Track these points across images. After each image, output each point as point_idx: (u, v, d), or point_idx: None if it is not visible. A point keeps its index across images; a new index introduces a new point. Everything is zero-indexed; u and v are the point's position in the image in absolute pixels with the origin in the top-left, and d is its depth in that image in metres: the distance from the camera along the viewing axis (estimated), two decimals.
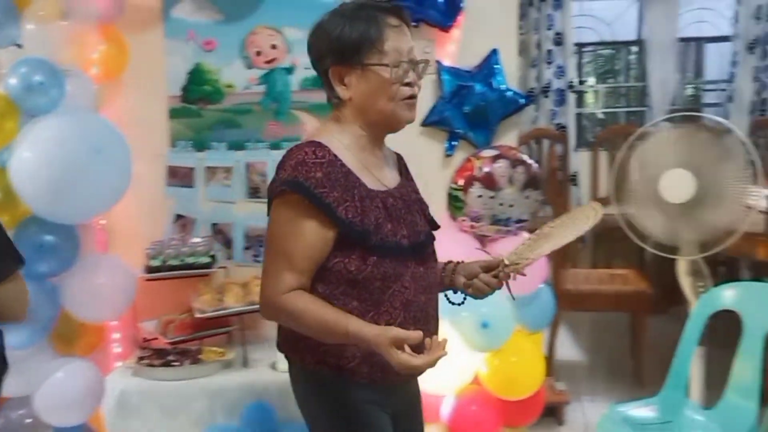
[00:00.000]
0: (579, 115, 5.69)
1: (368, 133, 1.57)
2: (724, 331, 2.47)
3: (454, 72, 2.76)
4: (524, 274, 1.66)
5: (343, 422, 1.60)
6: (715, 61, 5.72)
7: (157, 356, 2.54)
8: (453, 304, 1.76)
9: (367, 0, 1.56)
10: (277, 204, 1.51)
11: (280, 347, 1.67)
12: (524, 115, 5.12)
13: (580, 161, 5.24)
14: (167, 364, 2.49)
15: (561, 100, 5.24)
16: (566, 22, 5.13)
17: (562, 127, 5.21)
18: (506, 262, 1.65)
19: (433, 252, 1.68)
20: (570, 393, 3.38)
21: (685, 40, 5.55)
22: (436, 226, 1.73)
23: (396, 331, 1.38)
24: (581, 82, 5.79)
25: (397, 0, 2.63)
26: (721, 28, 5.55)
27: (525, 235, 2.74)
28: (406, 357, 1.36)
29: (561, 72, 5.19)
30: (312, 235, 1.48)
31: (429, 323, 1.59)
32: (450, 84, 2.76)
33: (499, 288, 1.67)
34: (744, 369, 2.32)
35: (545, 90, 5.21)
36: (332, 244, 1.49)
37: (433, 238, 1.68)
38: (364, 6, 1.54)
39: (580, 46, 5.60)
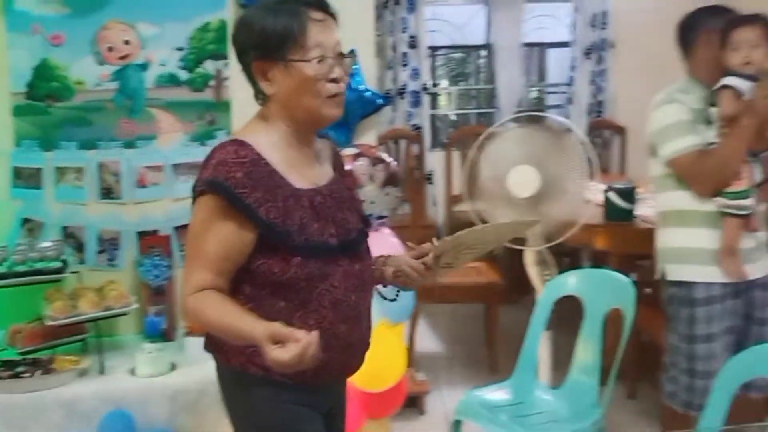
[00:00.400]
0: (433, 116, 5.88)
1: (295, 129, 1.53)
2: (569, 316, 2.66)
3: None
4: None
5: (270, 425, 1.56)
6: (556, 65, 6.07)
7: (5, 368, 2.40)
8: (386, 299, 1.77)
9: None
10: (197, 204, 1.48)
11: (207, 347, 1.61)
12: (382, 116, 5.24)
13: (435, 160, 5.42)
14: (16, 376, 2.36)
15: (416, 102, 5.39)
16: (420, 26, 5.27)
17: (417, 128, 5.37)
18: (443, 259, 1.64)
19: (368, 249, 1.65)
20: (430, 383, 3.51)
21: (529, 45, 5.86)
22: (369, 224, 1.71)
23: (275, 327, 1.32)
24: (435, 85, 5.99)
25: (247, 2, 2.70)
26: (561, 35, 5.90)
27: (386, 231, 2.84)
28: (276, 352, 1.30)
29: (416, 74, 5.34)
30: (230, 236, 1.45)
31: (360, 322, 1.58)
32: None
33: (427, 276, 1.65)
34: (586, 350, 2.51)
35: (401, 91, 5.34)
36: (253, 245, 1.46)
37: (367, 235, 1.65)
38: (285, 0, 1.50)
39: (433, 49, 5.78)
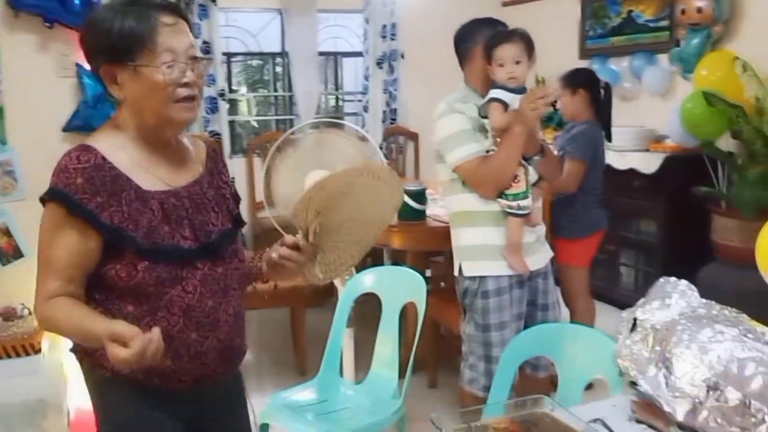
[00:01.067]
0: (232, 123, 5.83)
1: (146, 132, 1.49)
2: (372, 313, 2.75)
3: (95, 76, 2.67)
4: None
5: (119, 425, 1.54)
6: (351, 74, 6.27)
7: None
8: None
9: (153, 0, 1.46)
10: (43, 213, 1.46)
11: (73, 349, 1.57)
12: None
13: (236, 167, 5.37)
14: None
15: (213, 108, 5.32)
16: (213, 32, 5.22)
17: (216, 134, 5.31)
18: (318, 240, 1.62)
19: (235, 251, 1.59)
20: None
21: (324, 54, 6.01)
22: (241, 224, 1.66)
23: (115, 326, 1.31)
24: (232, 91, 5.94)
25: (34, 0, 2.54)
26: (354, 45, 6.11)
27: None
28: (115, 350, 1.28)
29: (212, 80, 5.28)
30: (74, 243, 1.42)
31: (217, 328, 1.53)
32: (92, 88, 2.67)
33: (303, 260, 1.62)
34: (384, 344, 2.63)
35: None
36: (100, 250, 1.44)
37: (235, 236, 1.60)
38: (136, 1, 1.44)
39: (228, 55, 5.74)
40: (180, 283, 1.48)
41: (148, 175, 1.50)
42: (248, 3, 5.56)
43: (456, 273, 2.61)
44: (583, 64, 5.33)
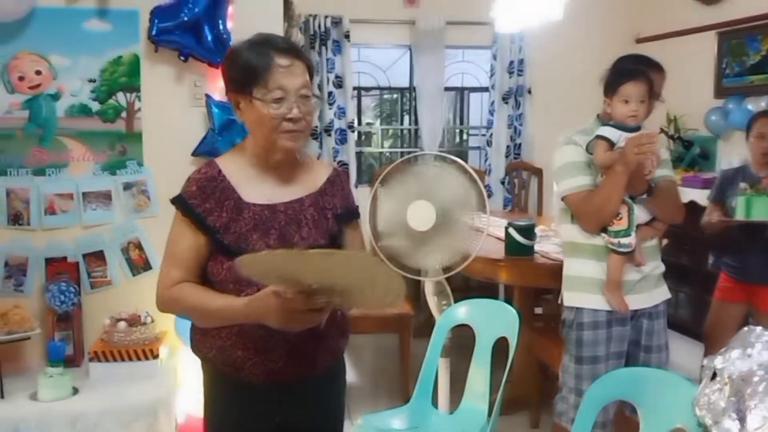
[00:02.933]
0: (362, 153, 6.05)
1: (260, 153, 1.71)
2: (468, 344, 2.77)
3: (223, 106, 2.91)
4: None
5: (211, 414, 1.79)
6: (477, 108, 6.33)
7: None
8: None
9: (268, 36, 1.69)
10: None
11: (192, 349, 1.80)
12: (307, 151, 5.37)
13: (362, 196, 5.55)
14: None
15: (342, 139, 5.56)
16: (346, 67, 5.48)
17: (343, 164, 5.53)
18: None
19: None
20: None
21: (451, 89, 6.12)
22: (338, 242, 1.77)
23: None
24: (360, 123, 6.16)
25: (172, 36, 2.82)
26: (480, 80, 6.17)
27: None
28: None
29: (342, 113, 5.52)
30: (188, 239, 1.67)
31: (285, 331, 1.63)
32: (219, 117, 2.90)
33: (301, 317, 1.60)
34: (477, 376, 2.63)
35: (327, 129, 5.51)
36: (208, 247, 1.67)
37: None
38: (264, 42, 1.67)
39: (359, 89, 5.98)
40: (254, 284, 1.61)
41: (253, 189, 1.72)
42: (380, 39, 5.78)
43: (559, 302, 2.63)
44: (719, 103, 5.11)
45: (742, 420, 1.42)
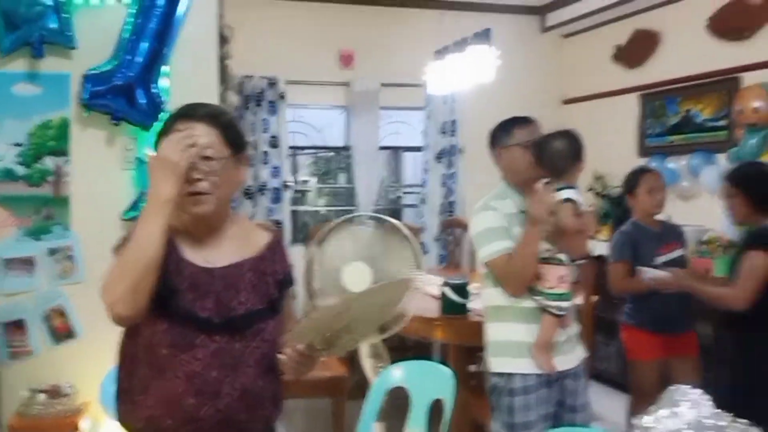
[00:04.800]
0: (295, 212, 6.04)
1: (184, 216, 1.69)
2: (404, 406, 2.73)
3: None
4: None
5: None
6: (411, 167, 6.44)
7: None
8: None
9: (183, 106, 1.72)
10: None
11: (119, 420, 1.72)
12: (241, 211, 5.34)
13: (297, 255, 5.52)
14: None
15: (277, 198, 5.55)
16: (281, 127, 5.50)
17: (278, 223, 5.50)
18: (318, 344, 1.63)
19: (261, 330, 1.68)
20: None
21: (386, 148, 6.21)
22: (277, 309, 1.74)
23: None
24: (296, 182, 6.17)
25: (104, 100, 2.79)
26: (415, 140, 6.28)
27: None
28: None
29: (276, 172, 5.52)
30: None
31: (217, 399, 1.61)
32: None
33: (306, 363, 1.66)
34: None
35: (262, 188, 5.49)
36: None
37: (264, 317, 1.70)
38: (174, 112, 1.71)
39: (294, 148, 6.00)
40: (191, 350, 1.59)
41: (191, 249, 1.69)
42: (315, 99, 5.86)
43: (481, 368, 2.61)
44: (643, 161, 5.32)
45: None
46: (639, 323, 3.49)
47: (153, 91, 2.84)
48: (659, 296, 3.33)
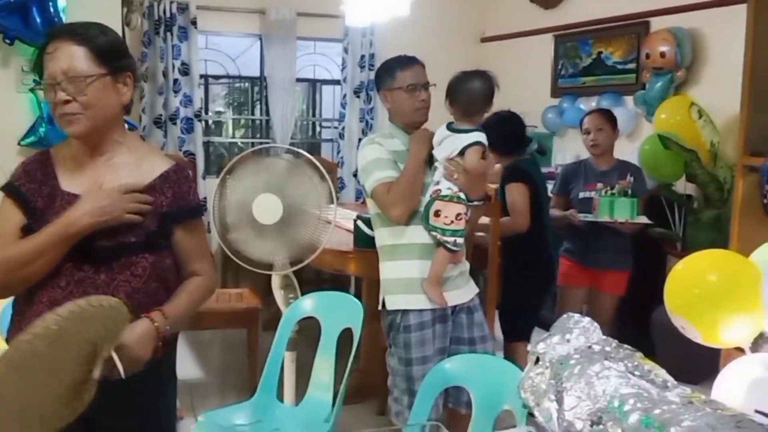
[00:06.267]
0: (208, 143, 5.90)
1: (67, 141, 1.72)
2: (316, 336, 2.76)
3: None
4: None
5: None
6: (329, 101, 6.36)
7: None
8: None
9: (56, 27, 1.75)
10: None
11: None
12: (151, 141, 5.18)
13: (210, 187, 5.42)
14: None
15: (189, 128, 5.40)
16: (192, 54, 5.31)
17: (190, 154, 5.37)
18: None
19: (130, 264, 1.65)
20: (185, 409, 3.48)
21: (303, 80, 6.10)
22: (152, 244, 1.69)
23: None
24: (210, 113, 6.01)
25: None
26: (333, 73, 6.20)
27: None
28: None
29: (188, 101, 5.35)
30: (9, 220, 1.66)
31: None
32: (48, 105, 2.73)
33: None
34: (322, 367, 2.65)
35: (173, 118, 5.32)
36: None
37: (135, 251, 1.66)
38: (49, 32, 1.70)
39: (206, 78, 5.83)
40: (56, 277, 1.61)
41: (72, 178, 1.69)
42: (229, 27, 5.66)
43: (380, 307, 2.64)
44: (555, 102, 5.44)
45: (560, 401, 1.52)
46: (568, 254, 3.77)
47: (50, 10, 2.68)
48: (579, 230, 3.62)
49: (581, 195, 3.68)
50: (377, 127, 5.89)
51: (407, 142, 2.57)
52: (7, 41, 2.66)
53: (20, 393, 1.34)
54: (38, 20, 2.66)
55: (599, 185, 3.57)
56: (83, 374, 1.42)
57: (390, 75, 2.59)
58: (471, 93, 2.48)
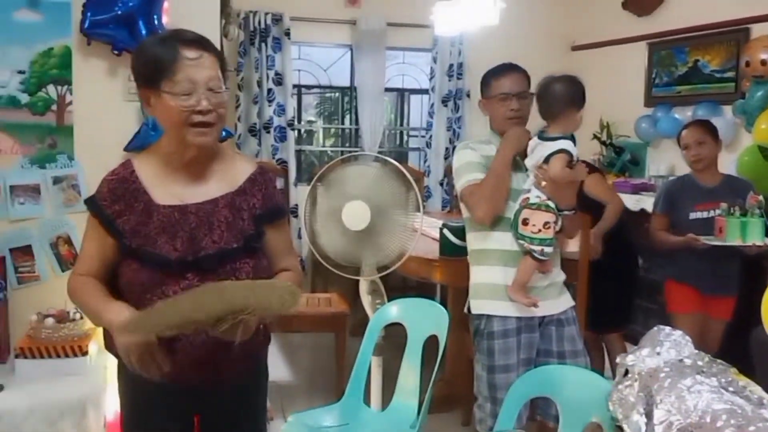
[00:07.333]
0: (300, 152, 6.05)
1: (172, 151, 1.69)
2: (402, 342, 2.77)
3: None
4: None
5: (124, 410, 1.82)
6: (417, 110, 6.40)
7: None
8: None
9: (177, 30, 1.69)
10: None
11: (106, 346, 1.80)
12: (246, 149, 5.36)
13: (301, 195, 5.56)
14: None
15: (282, 137, 5.55)
16: (286, 64, 5.47)
17: (283, 162, 5.52)
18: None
19: (235, 270, 1.68)
20: (275, 411, 3.58)
21: (391, 90, 6.18)
22: (253, 247, 1.73)
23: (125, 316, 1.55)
24: (302, 122, 6.16)
25: (106, 30, 2.78)
26: (421, 82, 6.24)
27: None
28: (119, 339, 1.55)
29: (281, 110, 5.51)
30: (95, 240, 1.69)
31: (192, 336, 1.63)
32: None
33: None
34: (407, 374, 2.67)
35: (267, 126, 5.49)
36: (115, 249, 1.67)
37: (238, 256, 1.69)
38: (172, 35, 1.67)
39: (299, 87, 5.98)
40: (161, 287, 1.62)
41: (165, 190, 1.70)
42: (321, 38, 5.79)
43: (465, 310, 2.65)
44: (649, 111, 5.30)
45: (649, 414, 1.49)
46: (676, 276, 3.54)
47: (155, 22, 2.82)
48: (696, 253, 3.34)
49: (692, 216, 3.42)
50: (465, 136, 5.89)
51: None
52: (116, 52, 2.81)
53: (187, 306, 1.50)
54: (143, 32, 2.80)
55: (723, 205, 3.26)
56: (217, 321, 1.49)
57: (486, 83, 2.63)
58: (552, 96, 2.46)
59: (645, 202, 4.55)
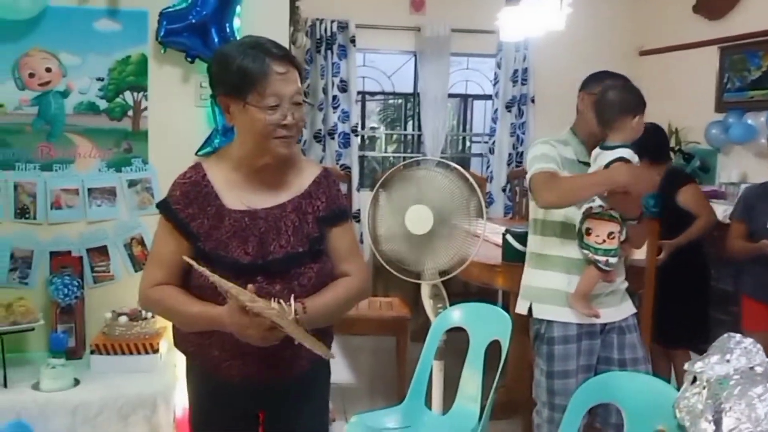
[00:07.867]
0: (363, 158, 6.11)
1: (245, 158, 1.72)
2: (463, 347, 2.76)
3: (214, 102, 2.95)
4: None
5: (193, 407, 1.87)
6: (480, 116, 6.40)
7: None
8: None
9: (259, 40, 1.69)
10: None
11: (175, 345, 1.87)
12: (310, 155, 5.45)
13: (364, 199, 5.62)
14: None
15: (346, 143, 5.63)
16: (351, 71, 5.54)
17: (346, 168, 5.59)
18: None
19: (300, 274, 1.71)
20: (337, 413, 3.62)
21: (454, 95, 6.18)
22: (318, 252, 1.75)
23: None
24: (365, 128, 6.22)
25: (180, 38, 2.87)
26: (484, 88, 6.24)
27: None
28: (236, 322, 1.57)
29: (346, 117, 5.59)
30: (170, 244, 1.71)
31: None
32: (223, 118, 2.96)
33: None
34: (469, 379, 2.67)
35: (331, 132, 5.57)
36: (189, 252, 1.67)
37: (304, 259, 1.72)
38: (257, 47, 1.66)
39: (363, 94, 6.05)
40: None
41: (235, 195, 1.73)
42: (385, 45, 5.85)
43: (525, 312, 2.60)
44: (720, 117, 5.16)
45: (717, 422, 1.47)
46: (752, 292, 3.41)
47: (227, 30, 2.91)
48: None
49: None
50: (529, 142, 5.85)
51: (580, 152, 2.54)
52: (189, 60, 2.90)
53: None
54: (216, 40, 2.89)
55: None
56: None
57: (597, 79, 2.55)
58: (605, 103, 2.40)
59: (715, 211, 4.42)
